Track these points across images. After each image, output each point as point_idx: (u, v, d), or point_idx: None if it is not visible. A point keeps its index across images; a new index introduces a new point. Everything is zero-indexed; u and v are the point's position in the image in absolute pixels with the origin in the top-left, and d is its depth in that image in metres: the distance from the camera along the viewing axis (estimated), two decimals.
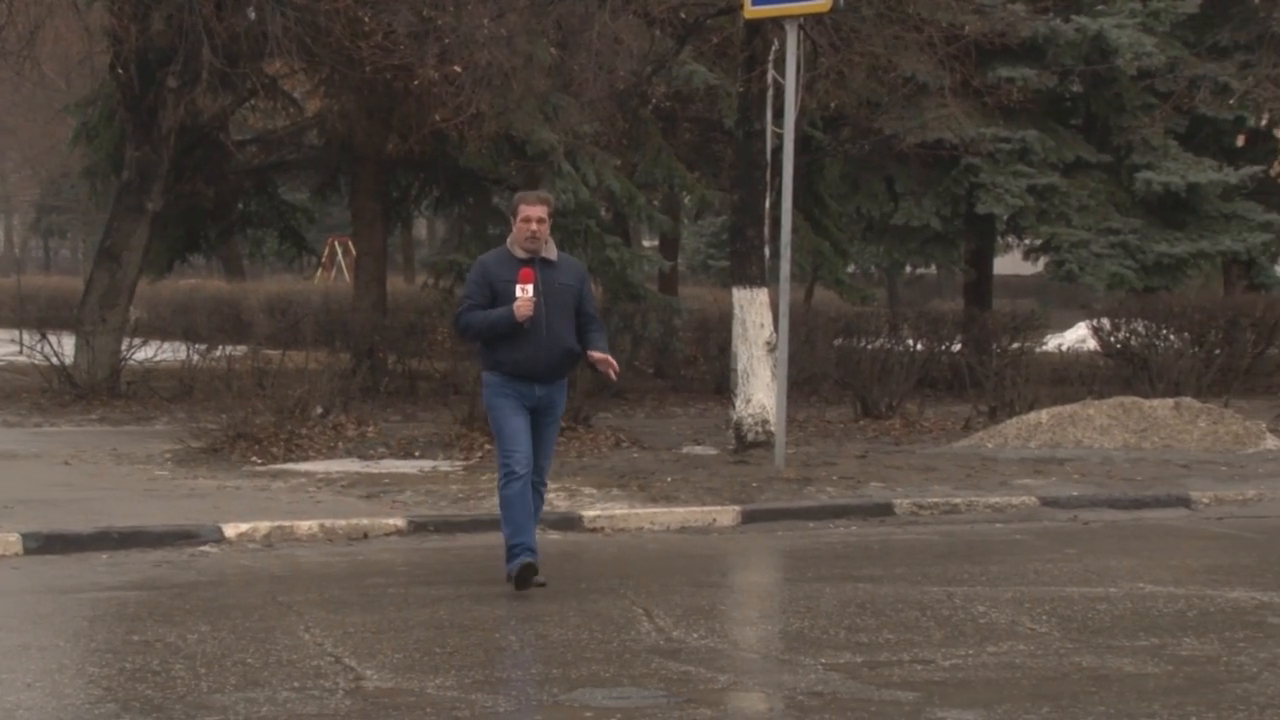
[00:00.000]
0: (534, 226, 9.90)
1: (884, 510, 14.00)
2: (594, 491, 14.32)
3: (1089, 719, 7.37)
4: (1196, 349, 23.61)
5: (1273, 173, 31.66)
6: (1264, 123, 30.41)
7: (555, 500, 13.82)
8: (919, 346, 23.65)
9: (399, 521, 12.95)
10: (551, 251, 10.09)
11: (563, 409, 10.45)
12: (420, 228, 58.97)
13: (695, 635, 9.21)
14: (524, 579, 10.03)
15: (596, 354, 10.21)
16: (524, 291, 9.78)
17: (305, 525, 12.62)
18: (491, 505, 13.65)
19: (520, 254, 9.96)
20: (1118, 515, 14.17)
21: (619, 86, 21.88)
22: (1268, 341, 25.61)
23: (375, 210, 25.23)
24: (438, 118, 20.53)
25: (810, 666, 8.44)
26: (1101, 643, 9.01)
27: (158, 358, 23.99)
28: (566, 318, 10.03)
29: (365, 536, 12.63)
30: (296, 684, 7.97)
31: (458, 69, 19.89)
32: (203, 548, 12.08)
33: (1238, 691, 7.94)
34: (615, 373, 10.37)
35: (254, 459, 16.04)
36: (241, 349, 22.11)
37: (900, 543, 12.78)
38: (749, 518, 13.62)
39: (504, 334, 9.89)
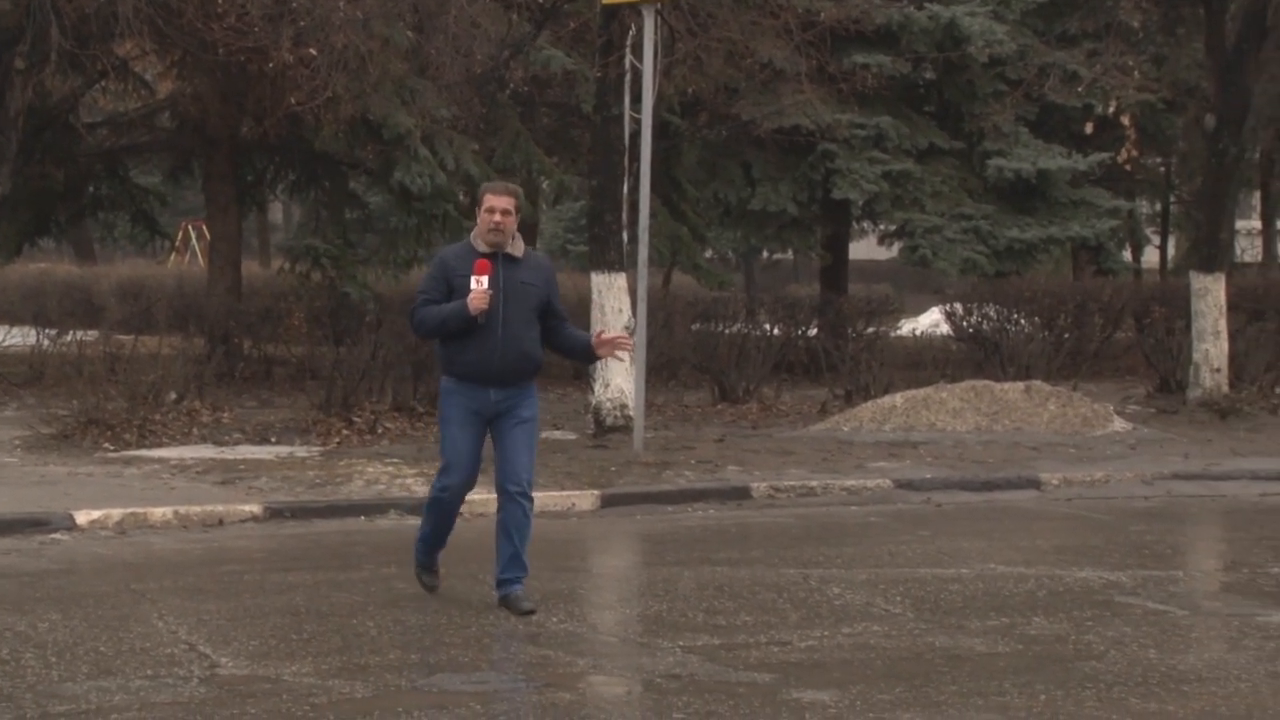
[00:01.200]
0: (498, 218, 9.05)
1: (741, 494, 14.09)
2: None
3: (941, 698, 7.47)
4: (1046, 333, 23.96)
5: (1120, 159, 32.25)
6: (1111, 110, 30.94)
7: (414, 485, 13.77)
8: (776, 331, 23.77)
9: (255, 508, 12.82)
10: (517, 247, 9.23)
11: (533, 412, 9.32)
12: (276, 212, 58.34)
13: (554, 619, 9.22)
14: (425, 586, 9.80)
15: (605, 335, 9.70)
16: (478, 284, 8.93)
17: (159, 512, 12.47)
18: (349, 490, 13.62)
19: (482, 247, 9.13)
20: (970, 497, 14.36)
21: (476, 70, 21.78)
22: (1115, 325, 26.05)
23: (229, 194, 24.90)
24: (293, 101, 20.29)
25: (668, 649, 8.48)
26: (954, 623, 9.13)
27: (7, 343, 23.53)
28: (526, 319, 9.15)
29: (220, 523, 12.50)
30: (150, 672, 7.88)
31: (313, 52, 19.66)
32: (54, 535, 11.89)
33: (1086, 670, 8.08)
34: (629, 349, 10.46)
35: (106, 445, 15.81)
36: (93, 334, 21.77)
37: (757, 526, 12.86)
38: (608, 502, 13.64)
39: (457, 331, 9.06)
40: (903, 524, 12.92)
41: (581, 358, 10.10)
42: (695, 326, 23.94)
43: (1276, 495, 14.67)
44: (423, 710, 7.31)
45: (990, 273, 26.66)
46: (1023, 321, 24.44)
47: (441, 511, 9.47)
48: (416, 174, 21.31)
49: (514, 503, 9.19)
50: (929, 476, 14.84)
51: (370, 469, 14.60)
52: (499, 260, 9.07)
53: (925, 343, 24.42)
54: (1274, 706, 7.43)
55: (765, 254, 43.58)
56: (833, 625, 9.02)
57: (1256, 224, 38.15)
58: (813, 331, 24.64)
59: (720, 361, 20.94)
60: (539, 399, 9.45)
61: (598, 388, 17.07)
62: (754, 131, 25.59)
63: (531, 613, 9.07)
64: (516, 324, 9.09)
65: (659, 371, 21.07)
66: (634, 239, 16.53)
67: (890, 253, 32.30)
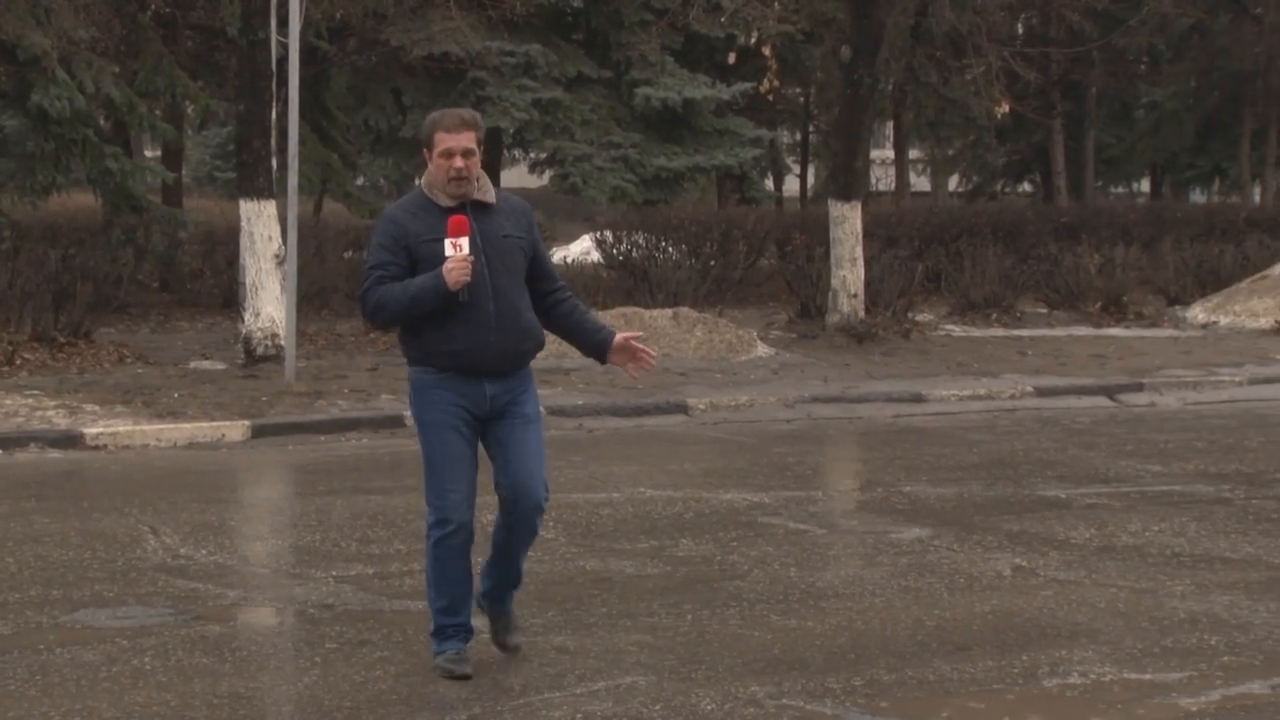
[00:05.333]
0: (459, 163, 6.62)
1: (395, 422, 14.01)
2: (97, 408, 13.87)
3: (592, 620, 7.59)
4: (693, 260, 24.31)
5: (762, 90, 32.87)
6: (753, 41, 31.49)
7: (55, 418, 13.38)
8: None
9: None
10: (486, 190, 6.79)
11: (538, 407, 6.95)
12: None
13: (204, 552, 9.07)
14: (455, 675, 6.73)
15: (620, 338, 7.00)
16: (456, 248, 6.55)
17: None
18: None
19: (445, 200, 6.68)
20: (621, 423, 14.54)
21: None
22: (758, 253, 26.58)
23: None
24: None
25: (321, 579, 8.42)
26: (605, 546, 9.26)
27: None
28: (519, 282, 6.80)
29: None
30: None
31: None
32: None
33: (730, 589, 8.29)
34: (651, 361, 7.12)
35: None
36: None
37: (411, 454, 12.75)
38: (259, 432, 13.45)
39: (432, 312, 6.64)
40: (555, 450, 12.93)
41: (586, 349, 7.10)
42: (348, 254, 23.71)
43: (908, 417, 15.21)
44: (66, 647, 7.13)
45: (639, 201, 26.97)
46: (670, 249, 24.77)
47: (451, 561, 6.73)
48: (55, 97, 20.52)
49: (527, 521, 6.83)
50: (581, 403, 14.96)
51: (9, 401, 14.09)
52: (469, 211, 6.69)
53: (577, 270, 24.61)
54: (906, 619, 7.73)
55: (417, 181, 43.33)
56: (485, 549, 9.04)
57: (890, 153, 39.27)
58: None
59: None
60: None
61: (248, 317, 16.77)
62: (404, 58, 25.36)
63: (517, 648, 7.03)
64: (509, 291, 6.72)
65: (311, 300, 20.79)
66: (283, 166, 16.23)
67: (541, 181, 32.49)
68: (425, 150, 6.74)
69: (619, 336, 6.98)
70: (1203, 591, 8.27)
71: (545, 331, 6.90)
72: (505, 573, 6.96)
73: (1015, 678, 6.82)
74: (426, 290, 6.58)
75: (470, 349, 6.65)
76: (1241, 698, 6.59)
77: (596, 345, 7.00)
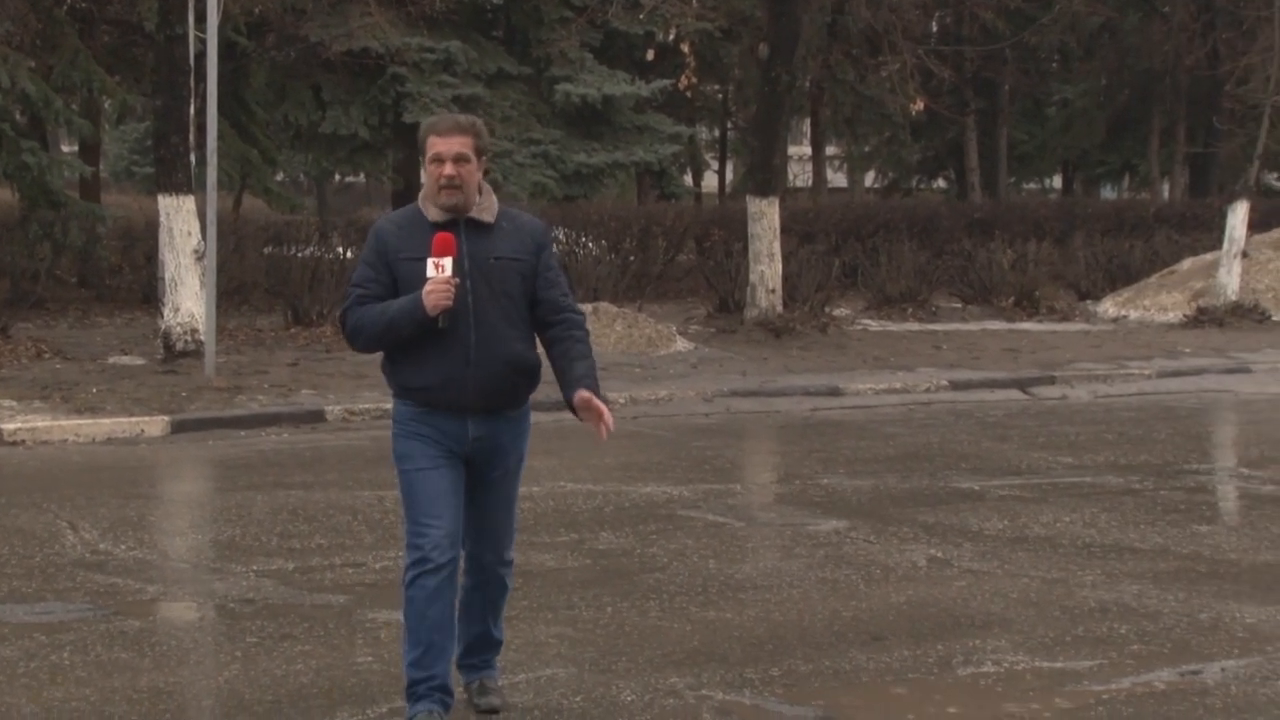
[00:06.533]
0: (449, 169, 5.84)
1: (316, 417, 13.96)
2: (14, 404, 13.74)
3: (513, 614, 7.54)
4: (613, 256, 24.36)
5: (680, 86, 32.92)
6: (672, 37, 31.54)
7: None
8: (349, 254, 23.57)
9: None
10: (486, 208, 6.00)
11: (521, 456, 6.22)
12: None
13: (123, 547, 9.00)
14: None
15: (584, 395, 6.03)
16: (438, 269, 5.78)
17: None
18: None
19: (435, 215, 5.91)
20: (540, 417, 14.31)
21: None
22: (677, 249, 26.67)
23: None
24: None
25: (242, 574, 8.38)
26: (526, 540, 9.23)
27: None
28: (509, 310, 5.95)
29: None
30: None
31: None
32: None
33: (650, 581, 8.31)
34: (608, 430, 6.09)
35: None
36: None
37: (332, 449, 12.77)
38: (179, 427, 13.35)
39: (409, 339, 5.89)
40: None
41: (562, 389, 6.13)
42: (267, 250, 23.57)
43: (825, 410, 15.29)
44: None
45: (559, 196, 26.97)
46: (590, 244, 24.80)
47: (427, 603, 5.88)
48: None
49: (491, 575, 6.18)
50: None
51: None
52: (460, 230, 5.90)
53: None
54: (823, 610, 7.77)
55: (338, 177, 43.01)
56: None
57: (807, 150, 39.44)
58: None
59: (293, 285, 20.64)
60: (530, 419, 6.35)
61: (167, 312, 16.65)
62: (323, 54, 25.24)
63: (497, 710, 6.18)
64: (494, 319, 5.91)
65: (230, 296, 20.66)
66: (202, 161, 16.13)
67: None
68: (420, 158, 6.02)
69: (579, 396, 6.01)
70: (1112, 581, 8.37)
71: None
72: (475, 634, 6.21)
73: (930, 667, 6.87)
74: (404, 314, 5.82)
75: (444, 383, 5.88)
76: (1151, 685, 6.67)
77: (566, 398, 6.08)
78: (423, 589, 5.84)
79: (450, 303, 5.78)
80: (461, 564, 6.03)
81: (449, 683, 5.93)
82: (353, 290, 5.98)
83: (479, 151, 5.92)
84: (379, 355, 6.09)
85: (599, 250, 24.55)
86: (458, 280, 5.80)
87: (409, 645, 5.91)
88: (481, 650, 6.25)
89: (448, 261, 5.78)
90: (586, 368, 6.10)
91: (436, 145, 5.88)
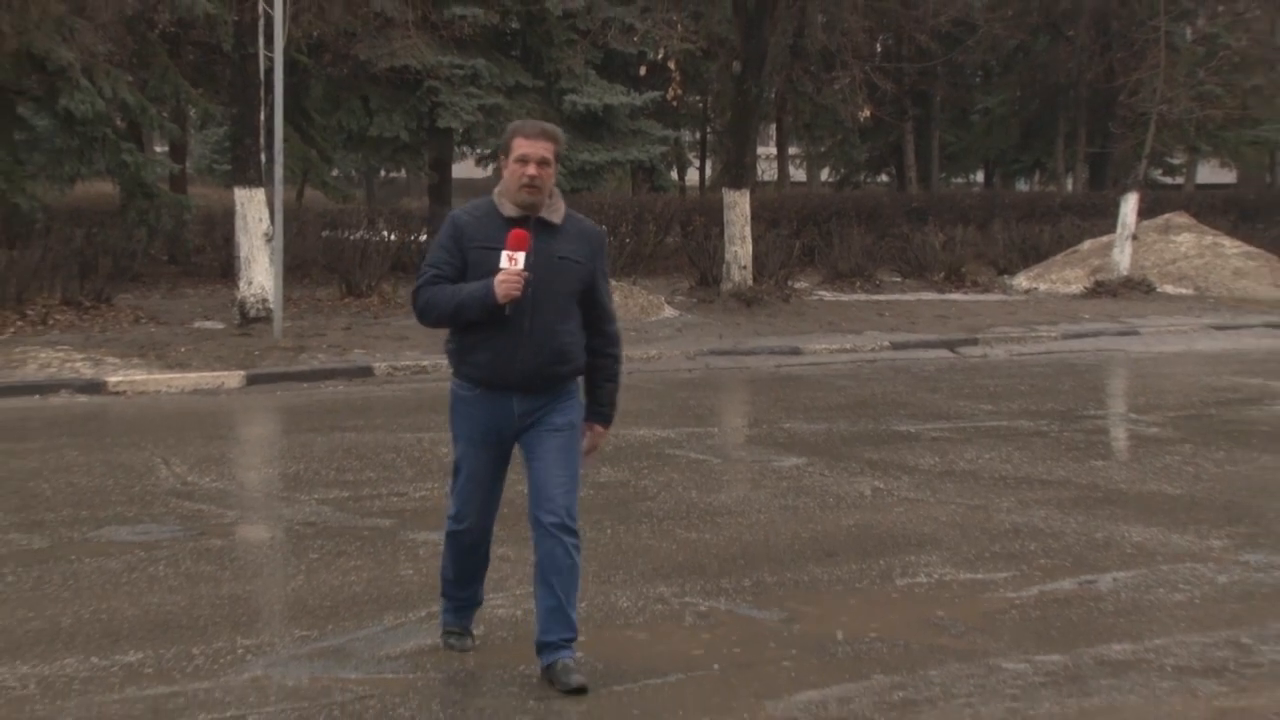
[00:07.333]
0: (533, 170, 5.40)
1: (365, 372, 13.96)
2: (117, 361, 13.74)
3: (528, 535, 7.56)
4: (611, 238, 24.28)
5: (668, 97, 32.81)
6: (660, 56, 31.40)
7: (82, 369, 13.22)
8: (392, 237, 23.50)
9: None
10: (555, 210, 5.52)
11: (570, 417, 5.55)
12: None
13: (207, 479, 9.01)
14: (458, 647, 5.82)
15: (595, 430, 5.69)
16: (511, 261, 5.32)
17: None
18: (24, 373, 12.96)
19: (510, 210, 5.45)
20: None
21: (128, 13, 20.78)
22: (665, 232, 26.60)
23: None
24: None
25: (305, 502, 8.39)
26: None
27: None
28: (562, 306, 5.48)
29: None
30: None
31: None
32: None
33: (642, 508, 8.33)
34: (592, 449, 5.72)
35: None
36: None
37: (379, 398, 12.78)
38: (252, 380, 13.35)
39: (475, 321, 5.43)
40: None
41: (586, 400, 5.67)
42: (325, 233, 23.49)
43: (788, 367, 15.29)
44: (93, 557, 7.07)
45: (566, 189, 26.82)
46: None
47: (459, 550, 5.75)
48: (79, 101, 20.27)
49: (552, 538, 5.44)
50: None
51: (43, 355, 13.92)
52: (530, 227, 5.43)
53: None
54: (785, 532, 7.79)
55: (383, 173, 42.91)
56: (441, 478, 9.04)
57: (773, 150, 39.32)
58: (423, 237, 24.44)
59: (346, 262, 20.58)
60: (576, 402, 5.64)
61: (242, 285, 16.63)
62: (371, 70, 25.12)
63: (583, 689, 5.37)
64: (549, 313, 5.44)
65: (294, 271, 20.61)
66: (270, 159, 16.08)
67: (486, 172, 32.25)
68: (501, 156, 5.55)
69: (593, 428, 5.66)
70: (1024, 507, 8.39)
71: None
72: (548, 606, 5.44)
73: (874, 578, 6.90)
74: (474, 298, 5.37)
75: (494, 360, 5.43)
76: (1055, 592, 6.70)
77: (586, 411, 5.65)
78: (458, 543, 5.72)
79: (520, 293, 5.32)
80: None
81: (478, 597, 5.90)
82: (427, 270, 5.53)
83: (557, 157, 5.50)
84: (414, 323, 5.94)
85: None
86: (529, 274, 5.33)
87: (444, 566, 5.84)
88: (559, 629, 5.45)
89: (521, 256, 5.33)
90: (611, 393, 5.69)
91: (523, 147, 5.43)
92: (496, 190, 5.52)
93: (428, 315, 5.52)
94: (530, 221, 5.42)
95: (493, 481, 5.65)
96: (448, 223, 5.57)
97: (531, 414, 5.50)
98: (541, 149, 5.41)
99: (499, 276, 5.31)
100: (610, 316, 5.67)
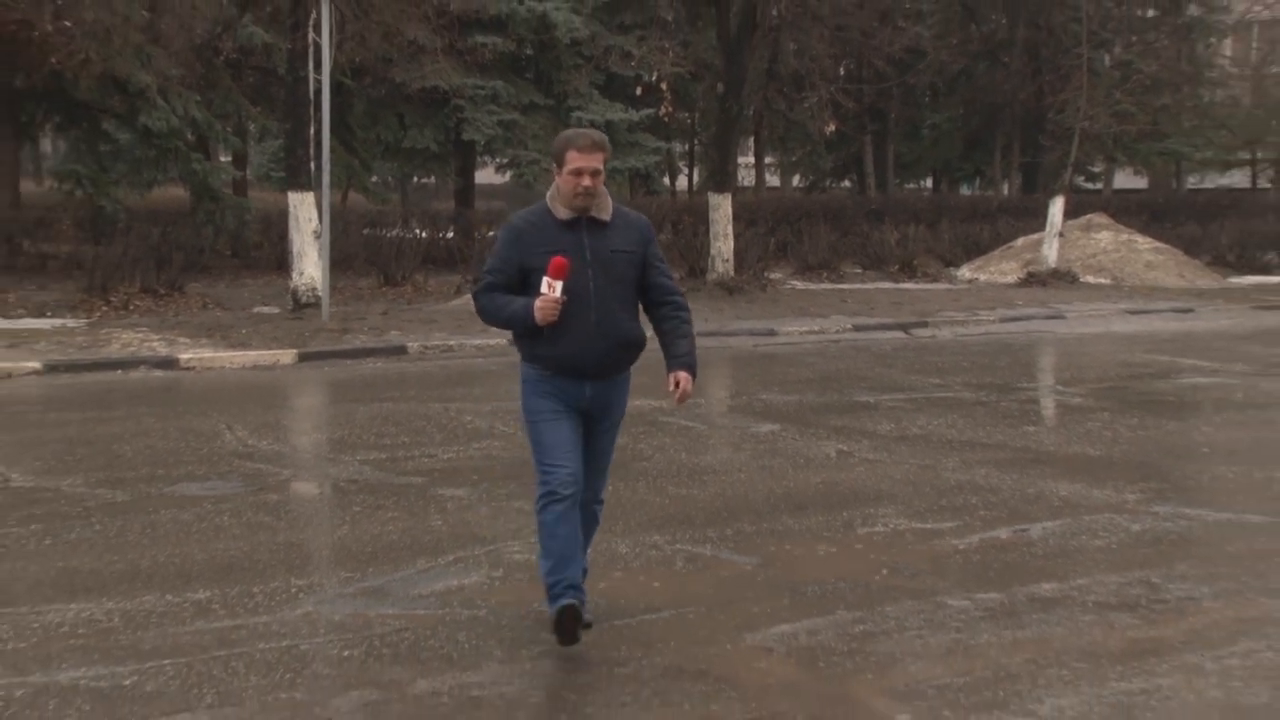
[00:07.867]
0: (587, 181, 5.13)
1: (400, 351, 13.93)
2: (187, 340, 13.71)
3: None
4: None
5: (660, 114, 32.73)
6: (654, 78, 31.33)
7: (158, 347, 13.19)
8: (424, 234, 23.46)
9: (36, 364, 12.09)
10: (605, 208, 5.26)
11: (623, 410, 5.50)
12: (45, 144, 54.35)
13: (265, 442, 8.99)
14: (566, 628, 5.12)
15: (680, 375, 5.33)
16: (550, 288, 5.06)
17: None
18: (109, 351, 12.92)
19: (563, 214, 5.18)
20: None
21: (197, 42, 20.75)
22: (659, 230, 26.53)
23: (8, 132, 23.11)
24: (54, 61, 18.94)
25: (349, 462, 8.37)
26: None
27: None
28: (622, 295, 5.27)
29: (10, 376, 11.76)
30: None
31: (69, 24, 18.36)
32: None
33: (639, 468, 8.31)
34: (683, 396, 5.35)
35: None
36: None
37: (412, 373, 12.76)
38: (304, 358, 13.32)
39: (526, 329, 5.19)
40: (510, 370, 12.96)
41: (666, 359, 5.45)
42: (366, 231, 23.45)
43: (764, 346, 15.27)
44: (168, 509, 7.06)
45: None
46: None
47: (555, 526, 5.16)
48: (155, 118, 20.31)
49: (588, 512, 5.44)
50: None
51: (125, 335, 13.90)
52: (583, 226, 5.19)
53: None
54: (761, 488, 7.79)
55: (415, 179, 42.78)
56: (466, 442, 9.04)
57: (751, 159, 39.24)
58: (450, 235, 24.41)
59: (384, 256, 20.55)
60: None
61: (295, 275, 16.60)
62: (405, 90, 25.08)
63: (588, 625, 5.32)
64: (611, 303, 5.23)
65: (339, 264, 20.57)
66: (319, 168, 16.04)
67: (504, 179, 32.14)
68: (555, 165, 5.23)
69: (678, 374, 5.33)
70: (967, 466, 8.38)
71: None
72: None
73: (838, 528, 6.89)
74: (517, 318, 5.13)
75: (571, 354, 5.17)
76: (993, 540, 6.69)
77: (669, 366, 5.37)
78: (552, 513, 5.13)
79: (556, 319, 5.08)
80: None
81: (579, 581, 5.20)
82: (485, 276, 5.24)
83: (606, 162, 5.23)
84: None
85: None
86: (564, 300, 5.05)
87: (544, 557, 5.19)
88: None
89: (559, 285, 5.04)
90: (688, 345, 5.40)
91: (577, 160, 5.12)
92: (549, 194, 5.24)
93: (483, 318, 5.29)
94: (582, 221, 5.18)
95: (576, 438, 5.25)
96: (506, 228, 5.27)
97: (600, 396, 5.29)
98: (595, 161, 5.15)
99: (538, 302, 5.06)
100: (673, 289, 5.43)
